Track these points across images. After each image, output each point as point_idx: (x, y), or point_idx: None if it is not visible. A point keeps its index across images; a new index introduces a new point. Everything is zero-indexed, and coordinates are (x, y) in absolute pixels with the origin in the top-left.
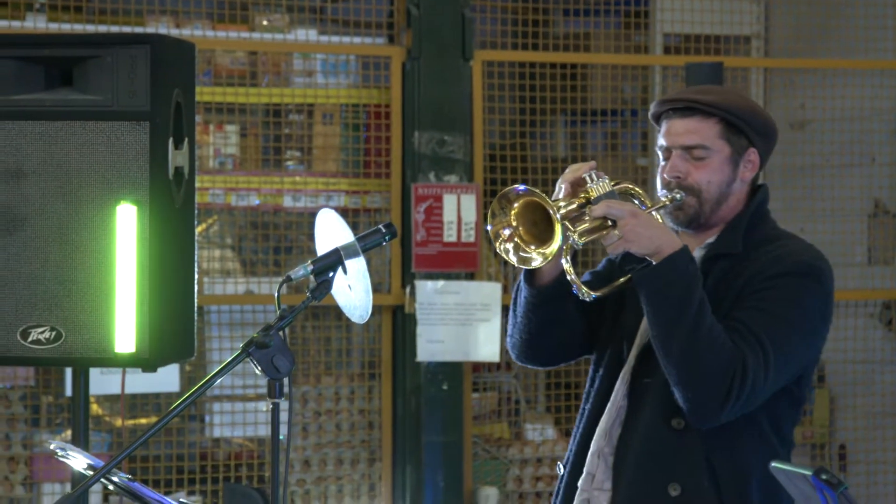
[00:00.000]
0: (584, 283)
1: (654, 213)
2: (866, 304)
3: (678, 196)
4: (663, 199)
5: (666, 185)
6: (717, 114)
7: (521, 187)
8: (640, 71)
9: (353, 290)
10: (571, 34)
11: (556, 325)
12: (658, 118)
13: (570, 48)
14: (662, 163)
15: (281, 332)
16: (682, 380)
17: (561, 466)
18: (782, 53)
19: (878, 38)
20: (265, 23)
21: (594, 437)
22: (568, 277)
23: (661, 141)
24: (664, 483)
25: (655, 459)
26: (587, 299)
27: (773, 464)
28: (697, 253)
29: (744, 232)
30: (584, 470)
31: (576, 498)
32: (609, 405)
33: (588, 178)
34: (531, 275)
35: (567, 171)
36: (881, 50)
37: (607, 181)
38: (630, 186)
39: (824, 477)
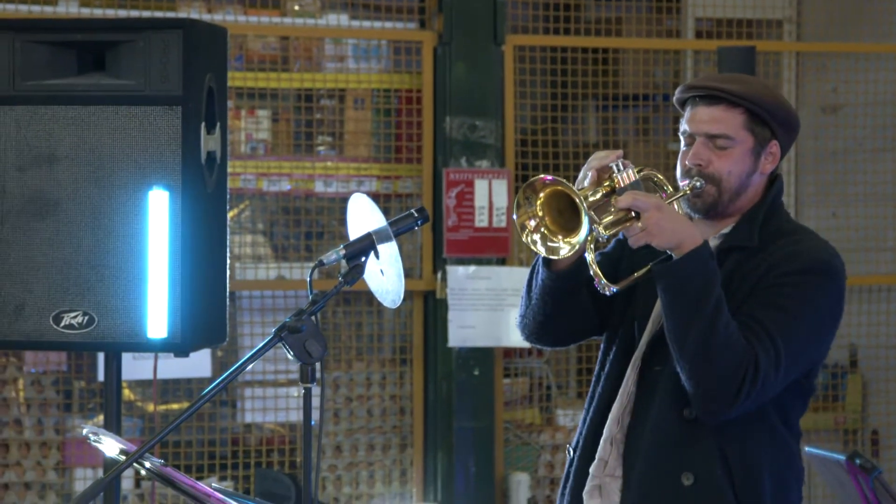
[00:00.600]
0: (614, 282)
1: (675, 206)
2: None
3: (698, 184)
4: (685, 187)
5: (686, 172)
6: (743, 104)
7: (547, 177)
8: (671, 55)
9: (385, 275)
10: (603, 19)
11: (571, 310)
12: (683, 104)
13: (602, 33)
14: (684, 148)
15: (313, 317)
16: (694, 375)
17: (570, 450)
18: (815, 37)
19: None
20: (297, 8)
21: (607, 423)
22: (591, 271)
23: (685, 126)
24: (677, 472)
25: (667, 449)
26: (607, 293)
27: (808, 448)
28: (712, 242)
29: (760, 224)
30: (597, 456)
31: (587, 484)
32: (621, 391)
33: (614, 168)
34: (549, 259)
35: (592, 158)
36: None
37: (633, 171)
38: (653, 172)
39: (858, 462)
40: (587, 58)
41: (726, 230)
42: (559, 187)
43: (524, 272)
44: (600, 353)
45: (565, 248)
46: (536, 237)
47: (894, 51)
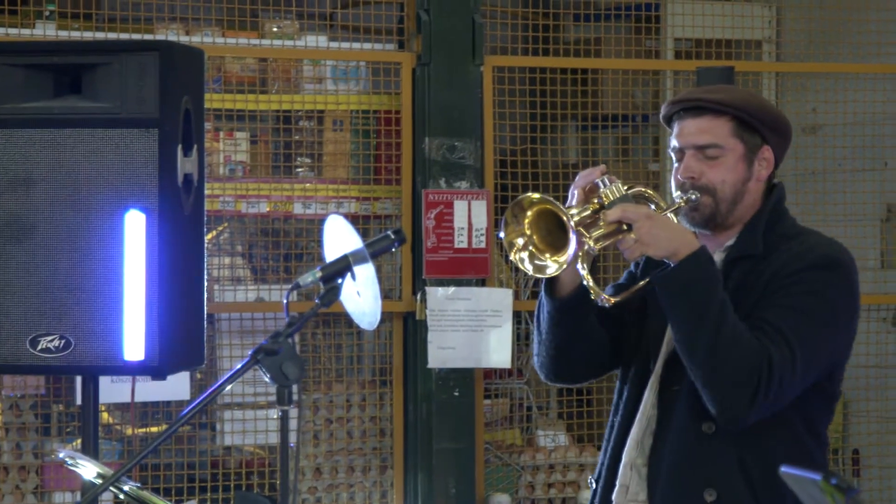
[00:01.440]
0: (612, 295)
1: (670, 215)
2: (879, 308)
3: (693, 196)
4: (678, 200)
5: (680, 187)
6: (728, 111)
7: (534, 195)
8: (651, 76)
9: (361, 297)
10: (582, 39)
11: (581, 339)
12: (669, 120)
13: (581, 53)
14: (676, 164)
15: (290, 339)
16: (707, 380)
17: (592, 481)
18: (794, 58)
19: (891, 43)
20: (275, 29)
21: (625, 449)
22: (584, 283)
23: (674, 142)
24: (699, 489)
25: (689, 466)
26: (606, 305)
27: (783, 469)
28: (717, 256)
29: (763, 231)
30: (618, 482)
31: None
32: (639, 415)
33: (601, 183)
34: (552, 288)
35: (578, 177)
36: (894, 54)
37: (620, 185)
38: (644, 190)
39: (835, 482)
40: (567, 78)
41: (730, 242)
42: (546, 206)
43: (504, 293)
44: (617, 384)
45: (552, 267)
46: (524, 255)
47: (873, 71)
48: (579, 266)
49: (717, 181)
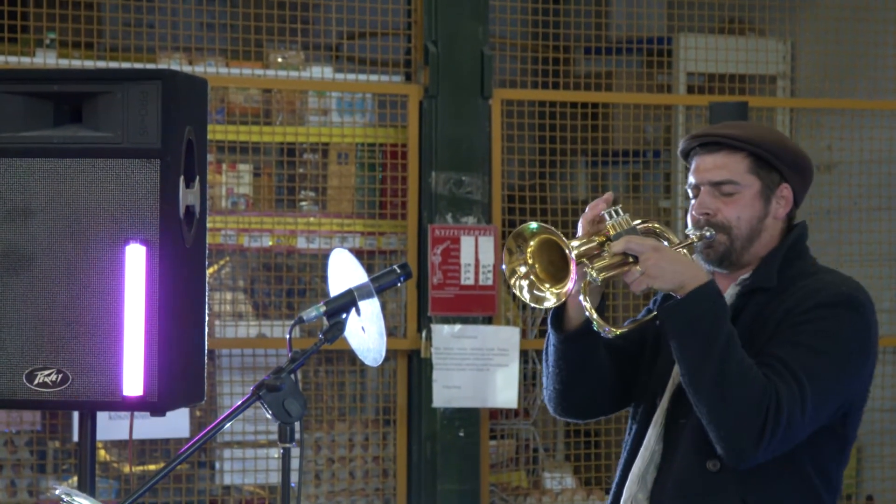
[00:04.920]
0: (615, 325)
1: (682, 250)
2: (894, 350)
3: (707, 234)
4: (692, 236)
5: (695, 223)
6: (745, 148)
7: (535, 225)
8: (662, 111)
9: (366, 333)
10: (593, 73)
11: (588, 372)
12: (687, 155)
13: (592, 87)
14: (693, 200)
15: (293, 376)
16: (713, 417)
17: None
18: (809, 93)
19: None
20: (280, 60)
21: (627, 483)
22: (586, 314)
23: (690, 178)
24: None
25: (691, 502)
26: (609, 336)
27: None
28: (732, 289)
29: (779, 267)
30: None
31: None
32: (642, 449)
33: (607, 216)
34: (559, 321)
35: (587, 209)
36: None
37: (627, 217)
38: (654, 225)
39: None
40: (577, 112)
41: (745, 276)
42: (549, 236)
43: (511, 331)
44: (628, 422)
45: (551, 300)
46: (524, 283)
47: (890, 108)
48: (581, 298)
49: (733, 218)
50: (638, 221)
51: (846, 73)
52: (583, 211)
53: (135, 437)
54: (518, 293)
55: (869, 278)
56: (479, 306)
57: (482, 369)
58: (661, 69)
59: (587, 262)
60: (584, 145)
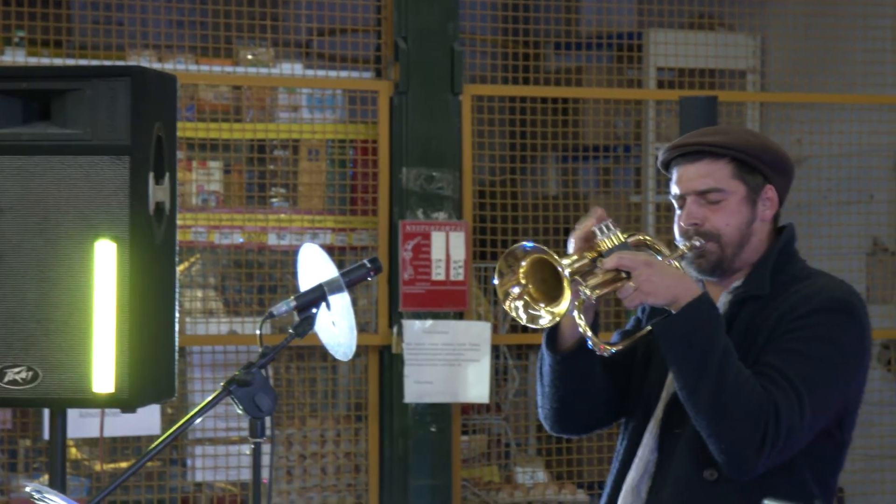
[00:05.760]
0: (611, 343)
1: (673, 262)
2: None
3: (697, 243)
4: (682, 247)
5: (684, 234)
6: (728, 153)
7: (528, 244)
8: (633, 106)
9: (337, 327)
10: (563, 68)
11: (586, 391)
12: (667, 166)
13: (562, 83)
14: (678, 212)
15: (263, 371)
16: (713, 430)
17: None
18: (779, 88)
19: (877, 73)
20: (249, 57)
21: (621, 494)
22: (580, 331)
23: (674, 189)
24: None
25: None
26: (605, 354)
27: (766, 501)
28: (724, 298)
29: (771, 272)
30: None
31: None
32: (636, 460)
33: (598, 231)
34: (553, 341)
35: (577, 225)
36: (880, 85)
37: (619, 232)
38: (644, 238)
39: None
40: (547, 108)
41: (737, 283)
42: (541, 255)
43: (482, 326)
44: (620, 432)
45: (546, 318)
46: (519, 304)
47: (859, 102)
48: (576, 315)
49: (722, 225)
50: (629, 235)
51: (816, 67)
52: (554, 206)
53: (106, 434)
54: (514, 314)
55: (839, 271)
56: (451, 302)
57: (453, 364)
58: (631, 64)
59: (581, 279)
60: (554, 140)
